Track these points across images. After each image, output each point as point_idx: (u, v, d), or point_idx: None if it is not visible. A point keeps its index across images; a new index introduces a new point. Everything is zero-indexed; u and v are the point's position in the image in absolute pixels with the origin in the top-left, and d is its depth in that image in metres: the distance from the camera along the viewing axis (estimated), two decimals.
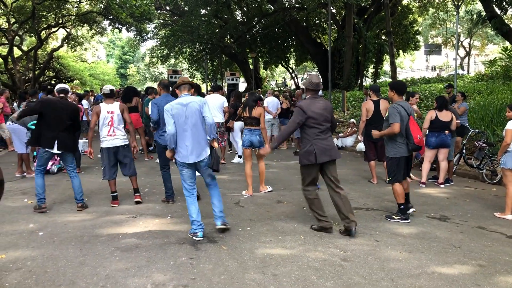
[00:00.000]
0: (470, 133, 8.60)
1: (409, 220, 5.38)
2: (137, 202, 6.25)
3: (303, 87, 5.15)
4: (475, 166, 8.33)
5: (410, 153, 5.50)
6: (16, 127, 8.27)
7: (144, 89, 14.98)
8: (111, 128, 6.04)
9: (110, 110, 6.06)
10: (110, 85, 6.72)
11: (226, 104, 9.33)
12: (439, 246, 4.55)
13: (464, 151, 8.57)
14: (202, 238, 4.70)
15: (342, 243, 4.61)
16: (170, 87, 6.51)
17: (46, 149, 5.83)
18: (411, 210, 5.57)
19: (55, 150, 5.83)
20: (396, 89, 5.58)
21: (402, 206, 5.43)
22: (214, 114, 9.07)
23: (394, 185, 5.43)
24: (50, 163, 8.11)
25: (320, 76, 5.38)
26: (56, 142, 5.79)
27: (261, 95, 12.75)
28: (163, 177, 6.37)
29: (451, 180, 7.84)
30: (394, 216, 5.46)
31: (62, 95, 6.13)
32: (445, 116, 7.37)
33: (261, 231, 5.00)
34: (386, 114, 5.59)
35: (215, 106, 9.11)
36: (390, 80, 19.59)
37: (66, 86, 6.47)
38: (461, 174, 8.65)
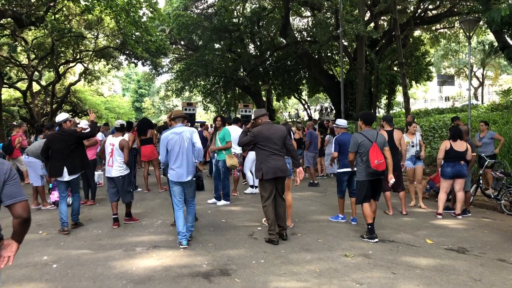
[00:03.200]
0: (486, 163, 8.48)
1: (376, 240, 5.80)
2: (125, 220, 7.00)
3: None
4: (492, 196, 8.18)
5: (371, 177, 5.91)
6: (31, 160, 8.41)
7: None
8: (110, 158, 6.77)
9: (112, 142, 6.83)
10: (121, 119, 7.38)
11: None
12: (458, 279, 4.43)
13: (481, 181, 8.44)
14: (186, 246, 5.54)
15: (358, 276, 4.52)
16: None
17: (58, 178, 6.54)
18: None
19: (66, 178, 6.53)
20: (363, 119, 6.26)
21: (369, 226, 5.90)
22: (233, 146, 9.15)
23: (362, 206, 5.97)
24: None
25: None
26: (64, 169, 6.49)
27: None
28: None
29: (468, 211, 7.70)
30: (364, 236, 5.95)
31: (62, 125, 6.84)
32: (460, 146, 7.30)
33: (275, 264, 4.94)
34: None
35: (233, 138, 9.17)
36: (404, 110, 19.57)
37: (64, 115, 7.08)
38: (478, 205, 8.50)
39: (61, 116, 7.00)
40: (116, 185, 6.83)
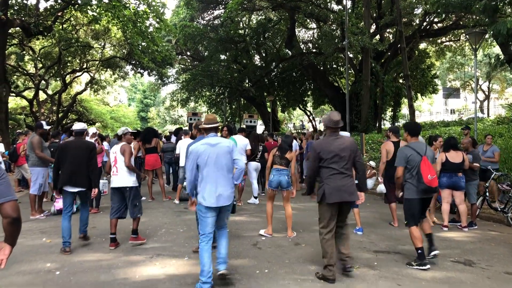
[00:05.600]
0: (493, 175, 8.41)
1: (428, 266, 5.07)
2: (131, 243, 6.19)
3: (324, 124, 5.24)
4: (499, 209, 8.10)
5: (423, 195, 5.28)
6: (35, 168, 8.47)
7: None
8: (113, 167, 6.23)
9: (114, 150, 6.30)
10: (126, 127, 6.85)
11: (249, 147, 9.39)
12: None
13: (487, 194, 8.37)
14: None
15: (363, 286, 4.46)
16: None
17: (64, 188, 5.94)
18: (433, 252, 5.36)
19: (72, 189, 5.97)
20: (409, 130, 5.65)
21: (419, 251, 5.15)
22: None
23: (410, 229, 5.31)
24: None
25: (340, 114, 5.21)
26: (73, 180, 5.94)
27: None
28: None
29: (474, 223, 7.62)
30: (413, 263, 5.19)
31: (79, 136, 6.30)
32: (455, 157, 7.27)
33: (279, 274, 4.89)
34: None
35: (239, 147, 9.16)
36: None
37: (83, 126, 6.50)
38: (485, 217, 8.41)
39: (79, 125, 6.46)
40: (126, 197, 6.20)
